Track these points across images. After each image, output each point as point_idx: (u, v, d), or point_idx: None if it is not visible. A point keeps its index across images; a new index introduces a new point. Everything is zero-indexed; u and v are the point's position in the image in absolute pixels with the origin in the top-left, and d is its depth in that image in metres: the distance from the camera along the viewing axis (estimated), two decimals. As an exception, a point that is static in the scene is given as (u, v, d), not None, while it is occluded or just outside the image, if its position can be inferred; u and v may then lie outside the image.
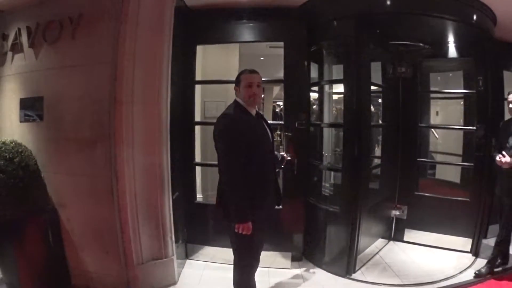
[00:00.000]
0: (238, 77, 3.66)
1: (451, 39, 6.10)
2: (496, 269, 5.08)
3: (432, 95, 7.12)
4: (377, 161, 6.66)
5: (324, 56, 5.88)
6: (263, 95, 4.48)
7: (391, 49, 5.97)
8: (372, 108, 6.20)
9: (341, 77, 5.28)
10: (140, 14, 4.32)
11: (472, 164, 5.88)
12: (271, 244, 4.93)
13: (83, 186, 4.50)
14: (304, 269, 5.37)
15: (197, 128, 6.05)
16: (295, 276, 5.18)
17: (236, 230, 3.40)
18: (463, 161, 6.68)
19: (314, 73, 5.90)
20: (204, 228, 5.73)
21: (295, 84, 5.47)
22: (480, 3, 5.18)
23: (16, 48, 4.88)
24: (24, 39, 4.80)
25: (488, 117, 5.61)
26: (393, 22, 5.46)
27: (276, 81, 6.78)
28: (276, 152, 4.08)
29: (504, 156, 4.68)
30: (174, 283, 4.86)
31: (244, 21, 5.45)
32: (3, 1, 4.83)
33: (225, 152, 3.47)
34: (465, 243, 5.83)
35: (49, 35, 4.62)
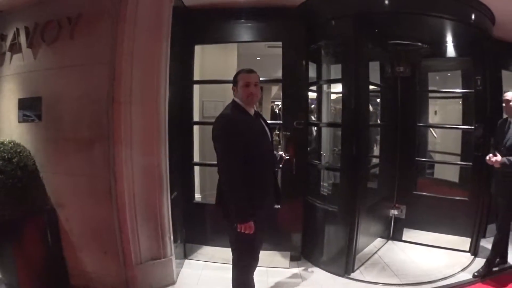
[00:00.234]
0: (235, 77, 3.65)
1: (449, 38, 6.10)
2: (494, 269, 5.09)
3: (431, 94, 7.11)
4: (375, 160, 6.67)
5: (322, 56, 5.88)
6: (261, 95, 4.47)
7: (389, 48, 5.98)
8: (371, 108, 6.20)
9: (340, 76, 5.27)
10: (138, 14, 4.31)
11: (470, 163, 5.87)
12: (269, 244, 4.92)
13: (82, 186, 4.50)
14: (303, 268, 5.38)
15: (196, 128, 6.07)
16: (294, 276, 5.18)
17: (238, 230, 3.41)
18: (461, 160, 6.67)
19: (312, 73, 5.89)
20: (203, 228, 5.73)
21: (294, 83, 5.47)
22: (479, 2, 5.17)
23: (15, 48, 4.88)
24: (22, 39, 4.79)
25: (486, 117, 5.62)
26: (392, 22, 5.46)
27: (275, 81, 6.77)
28: (274, 152, 4.08)
29: (495, 155, 4.71)
30: (173, 283, 4.86)
31: (243, 21, 5.46)
32: (1, 1, 4.82)
33: (224, 152, 3.47)
34: (464, 242, 5.83)
35: (47, 35, 4.61)
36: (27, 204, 4.29)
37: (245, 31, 5.59)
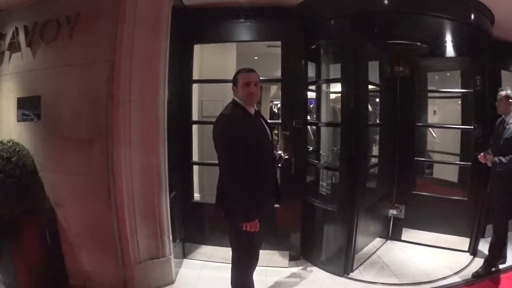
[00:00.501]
0: (235, 76, 3.64)
1: (449, 38, 6.11)
2: (493, 269, 5.09)
3: (430, 94, 7.13)
4: (374, 160, 6.67)
5: (321, 55, 5.89)
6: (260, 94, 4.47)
7: (388, 48, 5.98)
8: (370, 107, 6.20)
9: (339, 76, 5.27)
10: (137, 13, 4.31)
11: (469, 163, 5.86)
12: (268, 243, 4.91)
13: (81, 185, 4.49)
14: (302, 267, 5.38)
15: (195, 127, 6.06)
16: (293, 275, 5.19)
17: (244, 229, 3.40)
18: (460, 160, 6.68)
19: (311, 73, 5.89)
20: (202, 227, 5.73)
21: (293, 83, 5.48)
22: (478, 2, 5.18)
23: (14, 47, 4.87)
24: (21, 38, 4.79)
25: (485, 117, 5.61)
26: (391, 22, 5.45)
27: (274, 81, 6.78)
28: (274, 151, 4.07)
29: (487, 154, 4.75)
30: (172, 282, 4.86)
31: (242, 20, 5.45)
32: (1, 0, 4.82)
33: (226, 152, 3.47)
34: (463, 242, 5.83)
35: (46, 34, 4.61)
36: (26, 203, 4.29)
37: (244, 30, 5.59)
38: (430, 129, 7.32)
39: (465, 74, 6.44)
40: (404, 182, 6.32)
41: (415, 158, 6.48)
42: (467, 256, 5.68)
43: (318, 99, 6.22)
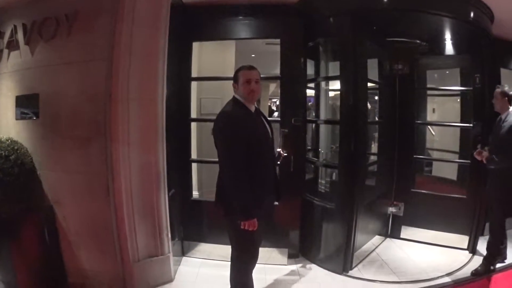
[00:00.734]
0: (236, 74, 3.64)
1: (448, 36, 6.11)
2: (492, 267, 5.09)
3: (429, 92, 7.12)
4: (373, 157, 6.67)
5: (320, 53, 5.88)
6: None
7: (388, 46, 5.97)
8: (369, 105, 6.19)
9: (338, 73, 5.27)
10: (136, 11, 4.29)
11: (468, 161, 5.86)
12: (267, 241, 4.89)
13: (79, 183, 4.49)
14: (301, 265, 5.38)
15: (193, 125, 6.05)
16: (292, 273, 5.18)
17: (242, 227, 3.40)
18: (459, 158, 6.68)
19: (310, 70, 5.89)
20: (200, 225, 5.73)
21: (292, 80, 5.47)
22: (478, 0, 5.19)
23: (12, 45, 4.85)
24: (20, 36, 4.77)
25: (484, 115, 5.61)
26: (390, 19, 5.45)
27: (273, 78, 6.78)
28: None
29: (482, 151, 4.79)
30: (171, 280, 4.86)
31: (241, 17, 5.45)
32: (-2, -2, 4.82)
33: (226, 150, 3.46)
34: (462, 240, 5.84)
35: (45, 32, 4.59)
36: (24, 201, 4.29)
37: (243, 28, 5.58)
38: (429, 127, 7.32)
39: (465, 72, 6.45)
40: (403, 180, 6.31)
41: (414, 156, 6.47)
42: (466, 254, 5.68)
43: (317, 96, 6.21)
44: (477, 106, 5.76)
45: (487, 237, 5.29)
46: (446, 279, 4.98)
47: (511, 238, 5.39)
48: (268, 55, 6.39)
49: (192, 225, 5.69)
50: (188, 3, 5.30)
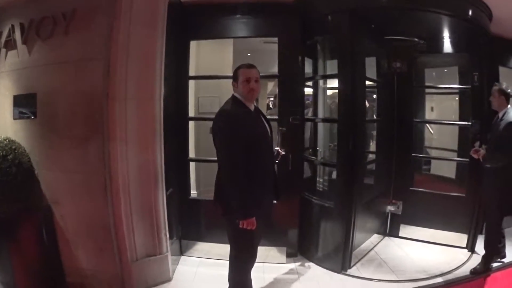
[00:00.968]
0: (235, 72, 3.63)
1: (446, 34, 6.11)
2: (492, 266, 5.09)
3: (427, 90, 7.14)
4: (372, 156, 6.66)
5: (318, 51, 5.88)
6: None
7: (386, 44, 5.97)
8: (367, 103, 6.19)
9: (336, 72, 5.26)
10: (133, 10, 4.28)
11: (467, 159, 5.85)
12: (266, 239, 4.89)
13: (77, 183, 4.47)
14: (299, 264, 5.39)
15: (191, 124, 6.03)
16: (290, 272, 5.19)
17: (240, 226, 3.39)
18: (458, 156, 6.68)
19: (308, 68, 5.88)
20: (199, 224, 5.72)
21: (290, 79, 5.46)
22: (476, -2, 5.19)
23: (10, 44, 4.84)
24: (17, 35, 4.76)
25: (483, 113, 5.61)
26: (388, 17, 5.46)
27: (271, 77, 6.77)
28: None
29: (479, 149, 4.82)
30: (169, 279, 4.85)
31: (238, 16, 5.43)
32: (-4, -2, 4.81)
33: (225, 148, 3.45)
34: (461, 238, 5.84)
35: (42, 31, 4.58)
36: (22, 201, 4.27)
37: (240, 26, 5.56)
38: (427, 125, 7.32)
39: (463, 70, 6.45)
40: (401, 178, 6.31)
41: (413, 154, 6.47)
42: (465, 253, 5.68)
43: (315, 95, 6.20)
44: (476, 104, 5.76)
45: (484, 236, 5.30)
46: (445, 278, 4.98)
47: (510, 237, 5.39)
48: (266, 54, 6.39)
49: (190, 224, 5.67)
50: (185, 1, 5.29)
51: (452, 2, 5.12)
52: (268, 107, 13.27)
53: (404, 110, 6.23)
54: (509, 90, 4.87)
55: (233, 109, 3.52)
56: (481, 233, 5.84)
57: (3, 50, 4.91)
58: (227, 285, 3.78)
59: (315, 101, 6.23)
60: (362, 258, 5.57)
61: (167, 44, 4.63)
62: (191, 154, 6.07)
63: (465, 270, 5.14)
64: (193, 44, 5.83)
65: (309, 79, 5.96)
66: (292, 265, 5.34)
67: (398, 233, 6.37)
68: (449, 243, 5.91)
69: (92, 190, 4.43)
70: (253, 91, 3.54)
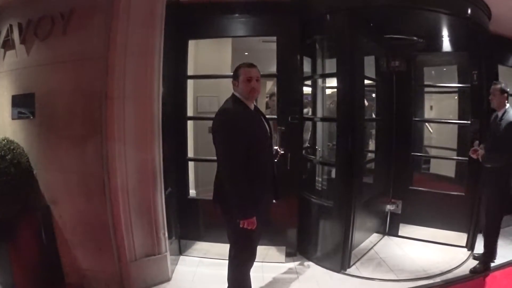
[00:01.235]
0: (236, 71, 3.63)
1: (445, 33, 6.08)
2: (491, 265, 5.09)
3: (426, 89, 7.11)
4: (371, 155, 6.65)
5: (317, 50, 5.86)
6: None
7: (384, 43, 5.95)
8: (366, 102, 6.18)
9: (335, 71, 5.24)
10: (131, 9, 4.28)
11: (466, 158, 5.83)
12: (265, 238, 4.89)
13: (75, 183, 4.48)
14: (299, 263, 5.38)
15: (190, 123, 6.02)
16: (290, 271, 5.18)
17: (240, 226, 3.39)
18: (457, 155, 6.67)
19: (307, 67, 5.88)
20: (197, 223, 5.71)
21: (288, 78, 5.45)
22: (475, -3, 5.18)
23: (8, 45, 4.86)
24: (15, 35, 4.77)
25: (482, 112, 5.59)
26: (387, 16, 5.44)
27: (269, 76, 6.76)
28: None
29: (477, 149, 4.83)
30: (168, 279, 4.85)
31: (237, 15, 5.42)
32: (-6, -2, 4.81)
33: (225, 147, 3.44)
34: (460, 237, 5.83)
35: (40, 31, 4.59)
36: (21, 201, 4.28)
37: (239, 25, 5.55)
38: (426, 124, 7.31)
39: (462, 69, 6.44)
40: (401, 177, 6.31)
41: (412, 153, 6.46)
42: (465, 252, 5.67)
43: (314, 94, 6.20)
44: (475, 103, 5.74)
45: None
46: (445, 277, 4.97)
47: (509, 236, 5.38)
48: (265, 53, 6.38)
49: (189, 223, 5.67)
50: (184, 1, 5.29)
51: (451, 1, 5.13)
52: (267, 106, 13.27)
53: (403, 109, 6.22)
54: (508, 89, 4.87)
55: (234, 108, 3.52)
56: (480, 232, 5.84)
57: (1, 50, 4.94)
58: (226, 285, 3.79)
59: (314, 100, 6.21)
60: (361, 257, 5.56)
61: (165, 43, 4.62)
62: (190, 153, 6.05)
63: (464, 270, 5.13)
64: (191, 43, 5.80)
65: (307, 78, 5.95)
66: (291, 265, 5.34)
67: (397, 232, 6.36)
68: (449, 242, 5.90)
69: (90, 190, 4.44)
70: (254, 91, 3.55)
